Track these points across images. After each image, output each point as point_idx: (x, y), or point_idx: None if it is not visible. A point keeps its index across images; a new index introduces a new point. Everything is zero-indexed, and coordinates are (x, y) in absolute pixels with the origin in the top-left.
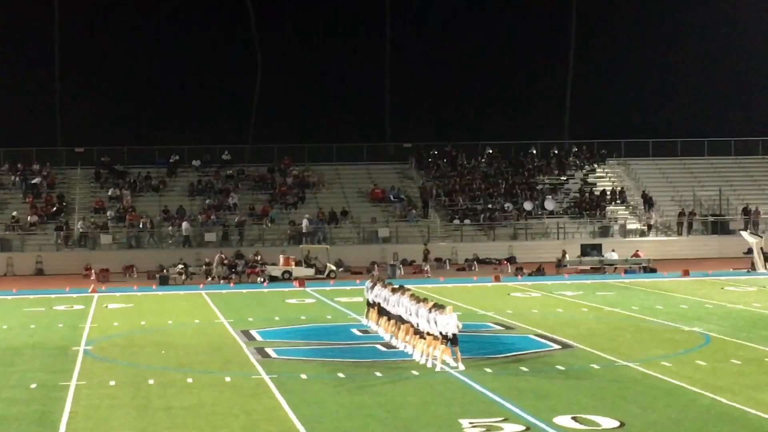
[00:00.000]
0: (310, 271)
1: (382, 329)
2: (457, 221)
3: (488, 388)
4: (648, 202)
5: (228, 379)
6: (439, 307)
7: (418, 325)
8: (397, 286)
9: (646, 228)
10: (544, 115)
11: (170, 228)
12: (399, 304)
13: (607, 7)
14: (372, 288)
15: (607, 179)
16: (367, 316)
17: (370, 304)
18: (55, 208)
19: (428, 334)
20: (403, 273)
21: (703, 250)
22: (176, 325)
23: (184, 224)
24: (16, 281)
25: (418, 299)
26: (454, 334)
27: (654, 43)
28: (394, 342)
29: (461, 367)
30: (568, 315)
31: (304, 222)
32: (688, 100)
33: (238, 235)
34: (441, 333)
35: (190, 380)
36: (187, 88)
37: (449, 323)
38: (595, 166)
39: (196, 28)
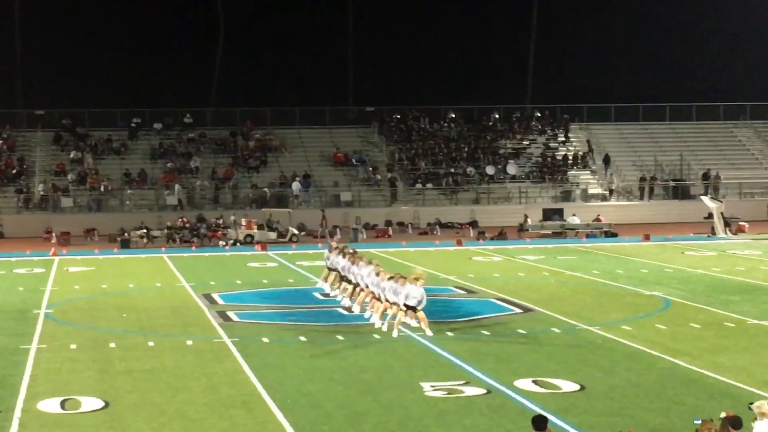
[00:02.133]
0: (273, 235)
1: (340, 293)
2: (419, 185)
3: (450, 352)
4: (606, 162)
5: (189, 342)
6: (400, 278)
7: (379, 296)
8: (356, 254)
9: (607, 192)
10: (506, 79)
11: (130, 192)
12: (359, 275)
13: None
14: (330, 256)
15: (569, 144)
16: (325, 279)
17: (330, 269)
18: (15, 171)
19: (393, 303)
20: (365, 237)
21: (663, 215)
22: (138, 288)
23: (177, 187)
24: None
25: (378, 271)
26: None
27: (616, 8)
28: (353, 306)
29: (428, 332)
30: (530, 279)
31: (295, 185)
32: (650, 65)
33: (202, 199)
34: (405, 304)
35: (151, 344)
36: (150, 50)
37: (410, 295)
38: (557, 131)
39: None
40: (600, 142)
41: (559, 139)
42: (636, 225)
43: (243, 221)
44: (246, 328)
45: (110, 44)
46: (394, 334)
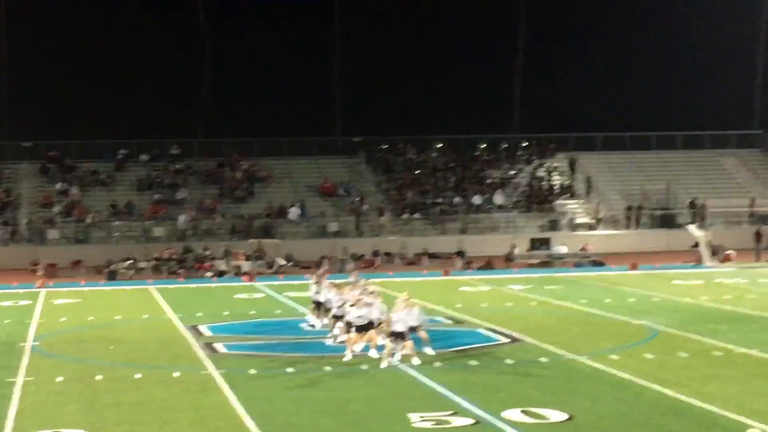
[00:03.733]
0: (260, 266)
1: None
2: (406, 215)
3: (437, 382)
4: (588, 186)
5: (176, 374)
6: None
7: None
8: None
9: (594, 221)
10: (493, 109)
11: (117, 223)
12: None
13: (557, 2)
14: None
15: (556, 173)
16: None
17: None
18: (1, 203)
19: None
20: (352, 267)
21: (650, 244)
22: (125, 320)
23: (181, 217)
24: None
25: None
26: (401, 331)
27: (602, 37)
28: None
29: (414, 361)
30: (518, 309)
31: (293, 210)
32: (636, 94)
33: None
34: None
35: (138, 376)
36: (136, 82)
37: (399, 320)
38: (544, 160)
39: (145, 21)
40: (586, 171)
41: (546, 168)
42: (623, 254)
43: (236, 253)
44: (233, 360)
45: (97, 76)
46: (383, 365)
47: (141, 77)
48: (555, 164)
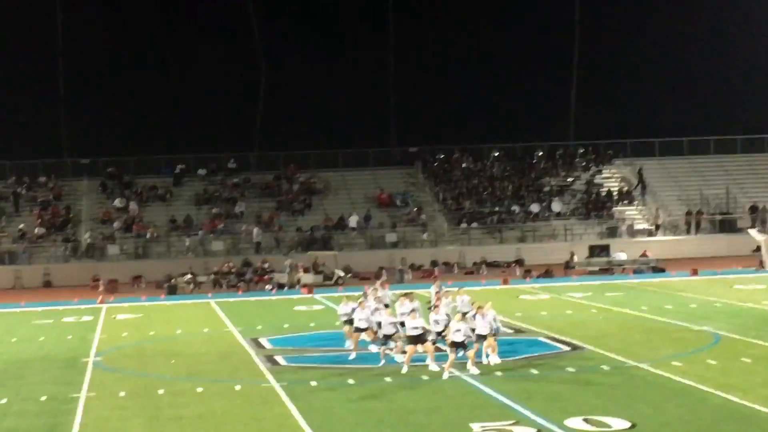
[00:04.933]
0: (319, 278)
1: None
2: (464, 225)
3: (499, 392)
4: (644, 187)
5: (238, 387)
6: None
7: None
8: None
9: (653, 227)
10: (549, 116)
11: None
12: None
13: (611, 6)
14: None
15: (614, 180)
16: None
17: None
18: (62, 220)
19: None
20: (411, 277)
21: (711, 249)
22: (185, 334)
23: (255, 230)
24: (25, 294)
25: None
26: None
27: (659, 41)
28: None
29: (473, 370)
30: (578, 316)
31: (352, 219)
32: (693, 98)
33: (247, 243)
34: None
35: (200, 389)
36: (192, 97)
37: (460, 329)
38: (601, 166)
39: (201, 38)
40: (645, 177)
41: (603, 174)
42: (683, 260)
43: (299, 265)
44: (294, 372)
45: (153, 92)
46: (445, 375)
47: (197, 92)
48: (613, 170)
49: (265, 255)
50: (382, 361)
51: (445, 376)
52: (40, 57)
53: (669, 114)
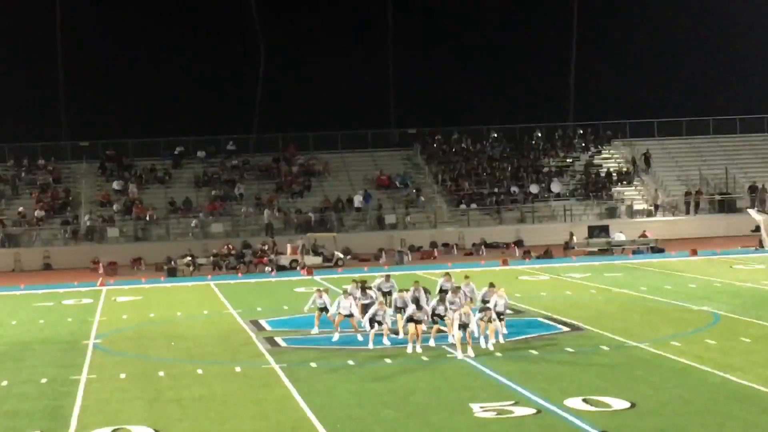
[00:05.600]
0: (318, 260)
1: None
2: (463, 206)
3: (498, 372)
4: (647, 163)
5: (238, 369)
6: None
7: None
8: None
9: (653, 208)
10: (548, 97)
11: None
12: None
13: None
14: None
15: (613, 160)
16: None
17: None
18: (61, 203)
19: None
20: (410, 259)
21: (710, 229)
22: (185, 316)
23: (266, 212)
24: (24, 277)
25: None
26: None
27: (657, 21)
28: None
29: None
30: (577, 297)
31: (357, 198)
32: (692, 78)
33: (247, 226)
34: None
35: (200, 371)
36: (191, 78)
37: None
38: (600, 147)
39: (199, 19)
40: (641, 157)
41: (602, 155)
42: (683, 240)
43: (288, 247)
44: (294, 354)
45: (151, 74)
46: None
47: (196, 74)
48: (612, 151)
49: (276, 236)
50: (371, 345)
51: (461, 355)
52: (38, 39)
53: (668, 94)
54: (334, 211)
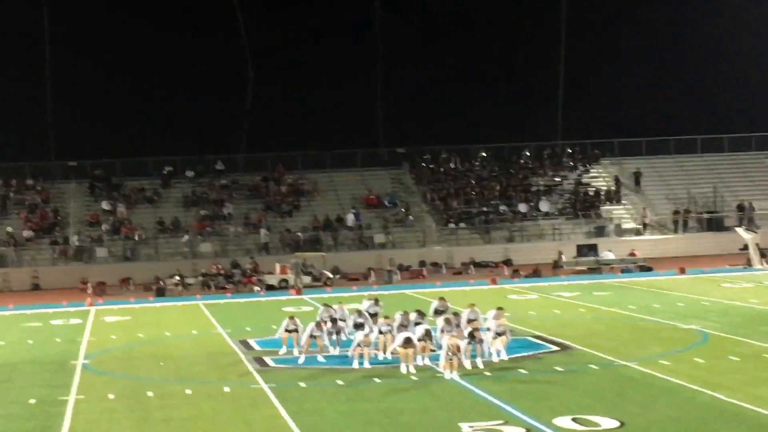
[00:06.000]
0: (307, 279)
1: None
2: (452, 225)
3: (487, 392)
4: (638, 182)
5: (227, 389)
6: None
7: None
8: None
9: (641, 226)
10: (536, 116)
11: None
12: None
13: (598, 5)
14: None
15: (601, 179)
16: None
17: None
18: (50, 223)
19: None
20: (399, 278)
21: (698, 248)
22: (174, 336)
23: (262, 231)
24: (13, 297)
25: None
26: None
27: (645, 41)
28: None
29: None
30: (566, 316)
31: (350, 217)
32: (680, 97)
33: (234, 245)
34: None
35: (188, 391)
36: (179, 98)
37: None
38: (589, 166)
39: (187, 39)
40: (631, 176)
41: (591, 174)
42: (671, 258)
43: (277, 266)
44: (283, 374)
45: (140, 94)
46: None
47: (184, 93)
48: (600, 170)
49: (281, 255)
50: (356, 362)
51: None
52: (26, 58)
53: (656, 113)
54: (322, 231)
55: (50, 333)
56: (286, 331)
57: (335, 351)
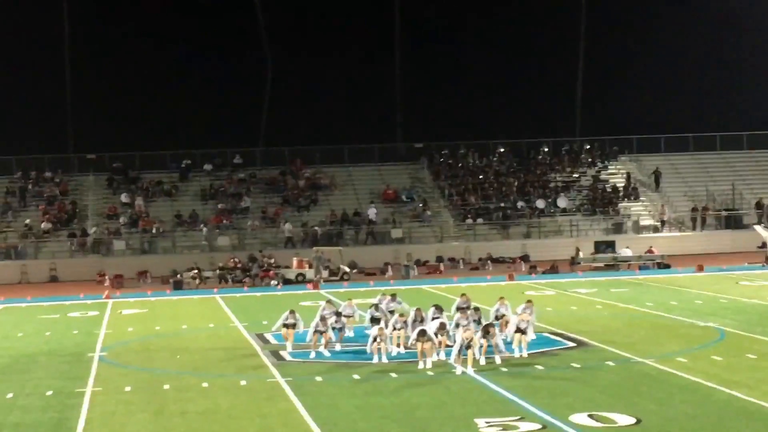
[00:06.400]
0: (324, 274)
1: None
2: (469, 221)
3: (504, 387)
4: (657, 181)
5: (243, 382)
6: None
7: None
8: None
9: (659, 223)
10: (554, 112)
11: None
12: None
13: (618, 2)
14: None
15: (620, 175)
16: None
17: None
18: (68, 215)
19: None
20: (417, 273)
21: (716, 245)
22: (191, 329)
23: (287, 225)
24: (31, 289)
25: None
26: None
27: (664, 37)
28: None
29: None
30: (583, 312)
31: (371, 211)
32: (699, 94)
33: (253, 239)
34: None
35: (205, 384)
36: (198, 92)
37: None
38: (607, 162)
39: (206, 33)
40: (651, 174)
41: (609, 170)
42: (689, 256)
43: (294, 260)
44: (299, 367)
45: (159, 87)
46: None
47: (203, 87)
48: (619, 166)
49: (298, 248)
50: (376, 357)
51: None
52: (46, 53)
53: (675, 110)
54: (339, 225)
55: (67, 325)
56: (284, 325)
57: (338, 346)
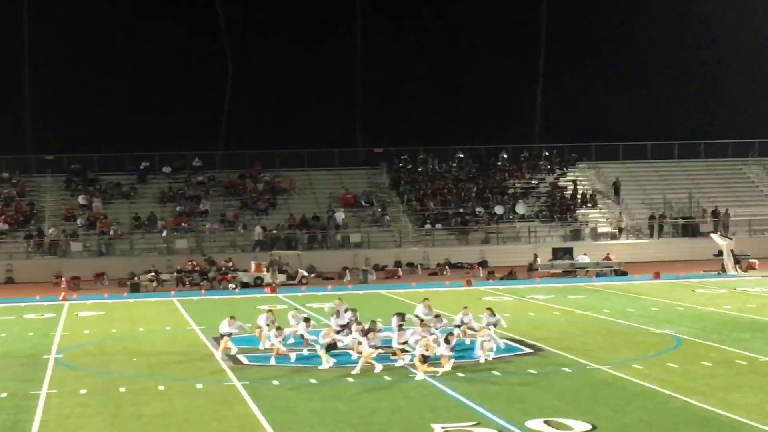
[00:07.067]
0: (282, 277)
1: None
2: (428, 226)
3: (460, 393)
4: (617, 191)
5: (200, 386)
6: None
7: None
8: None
9: (617, 231)
10: (514, 118)
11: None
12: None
13: (577, 11)
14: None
15: (578, 183)
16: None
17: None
18: (25, 216)
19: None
20: (375, 278)
21: (673, 253)
22: (148, 332)
23: (257, 228)
24: None
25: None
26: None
27: (624, 46)
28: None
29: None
30: (540, 318)
31: (338, 215)
32: (657, 103)
33: (210, 242)
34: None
35: (161, 387)
36: (158, 94)
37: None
38: (566, 169)
39: (167, 34)
40: (608, 180)
41: (567, 177)
42: (646, 263)
43: (252, 264)
44: (256, 371)
45: (118, 88)
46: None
47: (162, 89)
48: (577, 173)
49: (240, 253)
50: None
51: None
52: (4, 52)
53: (633, 118)
54: (298, 229)
55: (23, 327)
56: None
57: (304, 351)
